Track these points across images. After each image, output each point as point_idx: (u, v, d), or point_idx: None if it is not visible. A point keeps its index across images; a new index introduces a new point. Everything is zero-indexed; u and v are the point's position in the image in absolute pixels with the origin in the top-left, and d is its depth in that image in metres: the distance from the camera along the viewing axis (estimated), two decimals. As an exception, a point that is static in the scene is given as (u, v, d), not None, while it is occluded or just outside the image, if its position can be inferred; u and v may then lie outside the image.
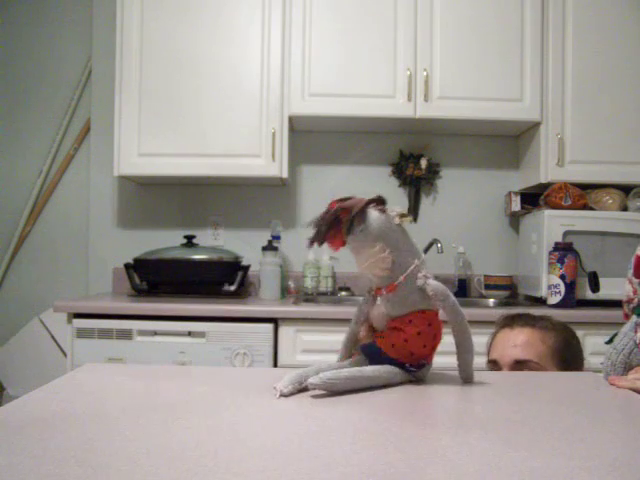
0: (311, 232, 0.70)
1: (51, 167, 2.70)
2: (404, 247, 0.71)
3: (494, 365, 1.19)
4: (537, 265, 2.26)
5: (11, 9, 2.72)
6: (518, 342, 1.16)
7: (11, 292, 2.70)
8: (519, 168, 2.61)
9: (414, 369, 0.72)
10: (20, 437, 0.49)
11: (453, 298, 0.71)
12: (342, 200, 0.70)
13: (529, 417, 0.59)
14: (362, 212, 0.68)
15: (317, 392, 0.66)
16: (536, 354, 1.14)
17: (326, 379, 0.65)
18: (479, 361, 1.23)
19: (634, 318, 0.84)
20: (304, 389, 0.67)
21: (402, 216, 0.71)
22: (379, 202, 0.70)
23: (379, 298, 0.73)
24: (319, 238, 0.69)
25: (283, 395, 0.64)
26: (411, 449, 0.48)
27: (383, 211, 0.70)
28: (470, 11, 2.29)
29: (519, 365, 1.14)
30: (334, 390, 0.66)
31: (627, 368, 0.82)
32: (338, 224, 0.69)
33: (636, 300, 0.85)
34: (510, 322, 1.22)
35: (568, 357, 1.14)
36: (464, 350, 0.73)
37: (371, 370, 0.70)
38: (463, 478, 0.42)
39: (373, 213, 0.69)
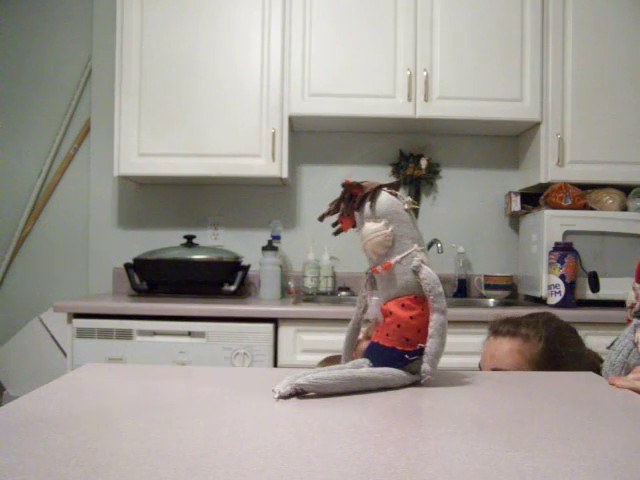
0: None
1: (51, 167, 2.70)
2: (407, 231, 0.73)
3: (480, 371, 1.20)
4: (537, 265, 2.26)
5: (11, 9, 2.72)
6: (497, 352, 1.17)
7: (11, 292, 2.70)
8: (519, 168, 2.61)
9: (413, 357, 0.71)
10: (20, 437, 0.49)
11: (441, 290, 0.71)
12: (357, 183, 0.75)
13: (529, 417, 0.59)
14: (374, 192, 0.73)
15: (316, 393, 0.65)
16: (512, 365, 1.14)
17: (313, 379, 0.64)
18: (475, 361, 1.24)
19: (635, 321, 0.84)
20: (303, 391, 0.66)
21: (411, 203, 0.74)
22: (392, 187, 0.75)
23: (375, 277, 0.75)
24: (331, 211, 0.75)
25: (282, 397, 0.64)
26: (411, 449, 0.48)
27: (395, 195, 0.74)
28: (470, 11, 2.29)
29: None
30: (323, 391, 0.65)
31: (626, 368, 0.82)
32: (351, 202, 0.74)
33: (637, 305, 0.85)
34: (496, 330, 1.22)
35: (549, 367, 1.14)
36: (430, 345, 0.70)
37: (365, 371, 0.69)
38: (463, 478, 0.42)
39: (384, 194, 0.74)
